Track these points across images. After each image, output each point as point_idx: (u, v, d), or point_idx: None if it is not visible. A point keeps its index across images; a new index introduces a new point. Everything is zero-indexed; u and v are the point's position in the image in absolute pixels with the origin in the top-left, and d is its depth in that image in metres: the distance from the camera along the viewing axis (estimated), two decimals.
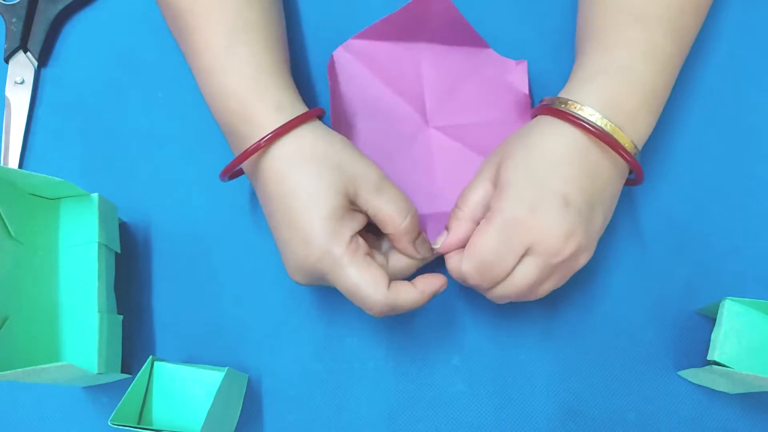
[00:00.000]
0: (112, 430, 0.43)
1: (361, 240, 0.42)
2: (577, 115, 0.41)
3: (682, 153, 0.52)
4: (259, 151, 0.42)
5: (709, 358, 0.45)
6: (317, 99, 0.54)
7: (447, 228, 0.45)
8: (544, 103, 0.44)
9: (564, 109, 0.42)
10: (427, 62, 0.52)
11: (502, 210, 0.41)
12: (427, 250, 0.45)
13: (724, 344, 0.44)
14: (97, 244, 0.45)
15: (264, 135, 0.41)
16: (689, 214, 0.51)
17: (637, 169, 0.43)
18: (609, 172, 0.42)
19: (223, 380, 0.43)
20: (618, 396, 0.48)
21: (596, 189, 0.42)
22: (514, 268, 0.41)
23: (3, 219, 0.43)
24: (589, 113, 0.41)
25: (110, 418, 0.40)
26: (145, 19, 0.55)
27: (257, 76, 0.43)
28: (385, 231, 0.44)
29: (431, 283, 0.43)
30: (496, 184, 0.42)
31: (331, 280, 0.42)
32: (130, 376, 0.48)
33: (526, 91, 0.51)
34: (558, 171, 0.41)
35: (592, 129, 0.41)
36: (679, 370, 0.48)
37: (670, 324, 0.49)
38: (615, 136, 0.41)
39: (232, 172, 0.45)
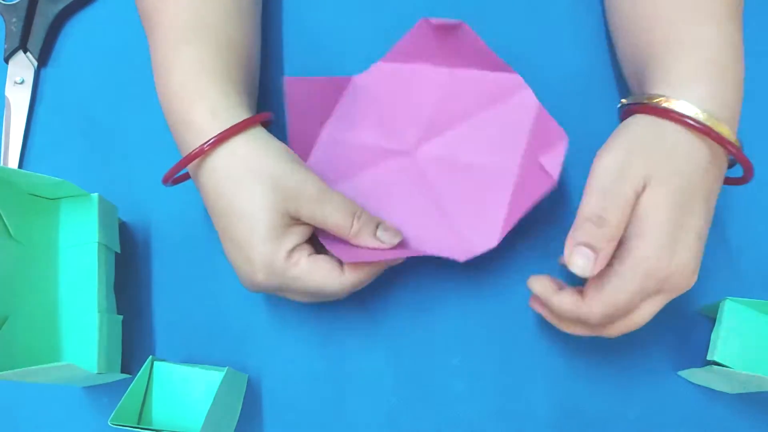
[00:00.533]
0: (112, 430, 0.43)
1: (303, 244, 0.42)
2: (699, 121, 0.38)
3: None
4: (197, 160, 0.41)
5: (709, 358, 0.45)
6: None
7: (590, 247, 0.38)
8: (652, 103, 0.40)
9: (704, 125, 0.38)
10: (440, 88, 0.51)
11: (648, 258, 0.38)
12: (392, 236, 0.43)
13: (724, 344, 0.44)
14: (97, 244, 0.45)
15: (201, 141, 0.40)
16: None
17: (749, 167, 0.41)
18: (720, 186, 0.41)
19: (223, 380, 0.43)
20: (618, 396, 0.48)
21: (712, 211, 0.40)
22: (639, 306, 0.40)
23: (3, 219, 0.43)
24: (704, 115, 0.39)
25: (110, 418, 0.40)
26: None
27: (198, 77, 0.42)
28: (341, 238, 0.43)
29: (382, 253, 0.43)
30: (638, 212, 0.38)
31: (289, 291, 0.42)
32: (130, 376, 0.48)
33: (555, 176, 0.44)
34: (700, 206, 0.39)
35: (714, 133, 0.38)
36: (679, 370, 0.48)
37: (670, 324, 0.49)
38: (727, 137, 0.39)
39: (173, 178, 0.44)
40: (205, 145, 0.40)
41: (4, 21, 0.55)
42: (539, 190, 0.44)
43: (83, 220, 0.46)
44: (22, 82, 0.54)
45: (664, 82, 0.41)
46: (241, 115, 0.42)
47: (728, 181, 0.42)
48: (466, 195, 0.48)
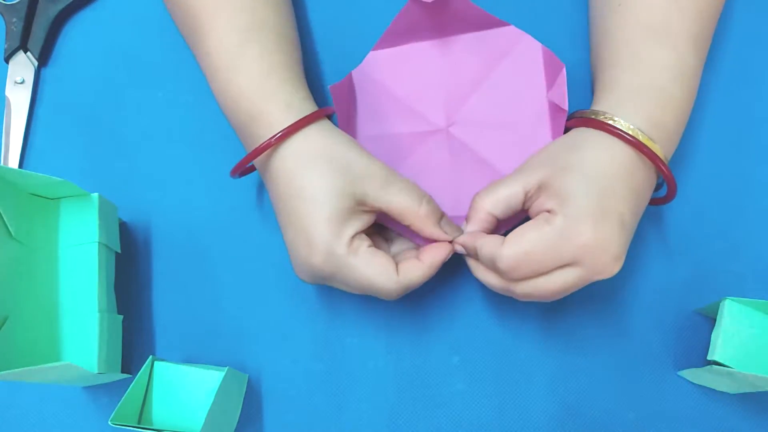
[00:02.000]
0: (112, 430, 0.43)
1: (363, 234, 0.42)
2: (628, 133, 0.41)
3: (681, 154, 0.52)
4: (268, 150, 0.42)
5: (709, 358, 0.45)
6: (326, 100, 0.54)
7: (467, 219, 0.44)
8: (586, 115, 0.44)
9: (614, 126, 0.41)
10: (440, 58, 0.52)
11: (566, 216, 0.40)
12: (455, 230, 0.45)
13: (724, 344, 0.44)
14: (97, 244, 0.45)
15: (274, 133, 0.42)
16: (689, 215, 0.51)
17: (673, 187, 0.43)
18: (648, 191, 0.43)
19: (223, 380, 0.43)
20: (618, 396, 0.48)
21: (639, 209, 0.42)
22: (551, 272, 0.41)
23: (3, 219, 0.43)
24: (636, 131, 0.41)
25: (110, 418, 0.40)
26: (145, 19, 0.55)
27: (268, 75, 0.44)
28: (405, 223, 0.43)
29: (436, 254, 0.43)
30: (551, 191, 0.41)
31: (340, 279, 0.42)
32: (130, 376, 0.48)
33: (566, 107, 0.46)
34: (615, 190, 0.41)
35: (645, 148, 0.41)
36: (679, 370, 0.48)
37: (670, 324, 0.49)
38: (657, 153, 0.41)
39: (243, 169, 0.45)
40: (279, 134, 0.42)
41: (5, 21, 0.55)
42: (561, 125, 0.46)
43: (83, 220, 0.46)
44: (22, 82, 0.54)
45: (600, 101, 0.44)
46: (312, 107, 0.44)
47: (653, 201, 0.45)
48: (509, 151, 0.49)
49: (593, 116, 0.43)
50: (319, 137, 0.43)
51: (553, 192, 0.41)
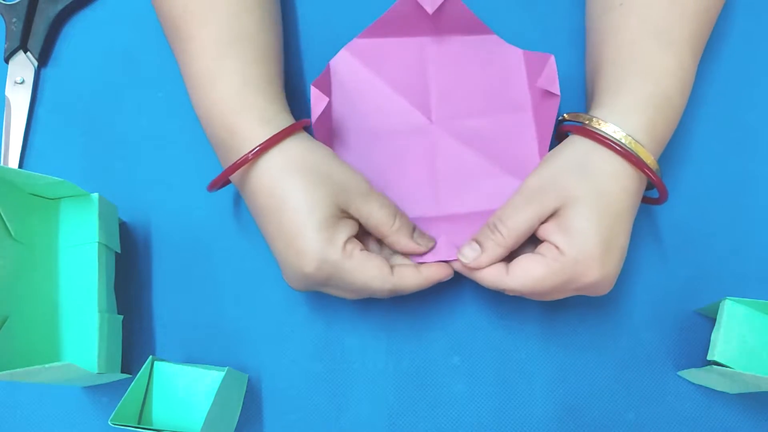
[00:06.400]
0: (112, 430, 0.43)
1: (354, 239, 0.43)
2: (619, 144, 0.42)
3: (681, 153, 0.52)
4: (246, 165, 0.42)
5: (709, 358, 0.45)
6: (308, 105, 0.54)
7: (479, 244, 0.44)
8: (581, 120, 0.44)
9: (606, 136, 0.42)
10: (432, 55, 0.52)
11: (575, 259, 0.41)
12: (427, 241, 0.45)
13: (724, 344, 0.44)
14: (97, 244, 0.45)
15: (251, 148, 0.42)
16: (689, 214, 0.51)
17: (664, 192, 0.44)
18: (640, 199, 0.44)
19: (223, 380, 0.43)
20: (618, 396, 0.48)
21: (632, 222, 0.43)
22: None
23: (3, 219, 0.43)
24: (630, 140, 0.42)
25: (110, 418, 0.40)
26: (145, 19, 0.55)
27: (243, 89, 0.44)
28: (379, 236, 0.44)
29: (435, 272, 0.44)
30: (561, 225, 0.41)
31: (334, 284, 0.43)
32: (130, 376, 0.48)
33: (557, 92, 0.46)
34: (624, 225, 0.42)
35: (635, 158, 0.41)
36: (679, 370, 0.48)
37: (670, 324, 0.49)
38: (647, 161, 0.42)
39: (222, 183, 0.45)
40: (257, 148, 0.41)
41: (4, 21, 0.55)
42: (552, 112, 0.47)
43: (83, 220, 0.46)
44: (22, 82, 0.54)
45: (606, 106, 0.44)
46: (288, 119, 0.44)
47: (645, 200, 0.46)
48: (498, 146, 0.50)
49: (587, 121, 0.43)
50: (298, 149, 0.43)
51: (563, 226, 0.41)
